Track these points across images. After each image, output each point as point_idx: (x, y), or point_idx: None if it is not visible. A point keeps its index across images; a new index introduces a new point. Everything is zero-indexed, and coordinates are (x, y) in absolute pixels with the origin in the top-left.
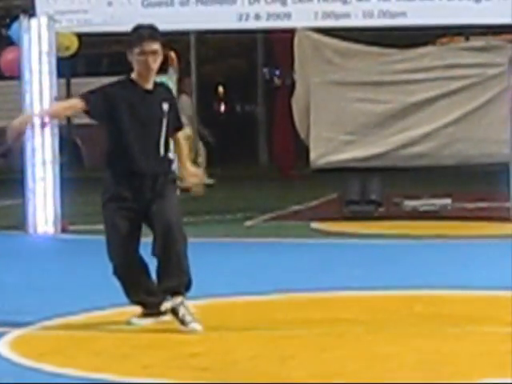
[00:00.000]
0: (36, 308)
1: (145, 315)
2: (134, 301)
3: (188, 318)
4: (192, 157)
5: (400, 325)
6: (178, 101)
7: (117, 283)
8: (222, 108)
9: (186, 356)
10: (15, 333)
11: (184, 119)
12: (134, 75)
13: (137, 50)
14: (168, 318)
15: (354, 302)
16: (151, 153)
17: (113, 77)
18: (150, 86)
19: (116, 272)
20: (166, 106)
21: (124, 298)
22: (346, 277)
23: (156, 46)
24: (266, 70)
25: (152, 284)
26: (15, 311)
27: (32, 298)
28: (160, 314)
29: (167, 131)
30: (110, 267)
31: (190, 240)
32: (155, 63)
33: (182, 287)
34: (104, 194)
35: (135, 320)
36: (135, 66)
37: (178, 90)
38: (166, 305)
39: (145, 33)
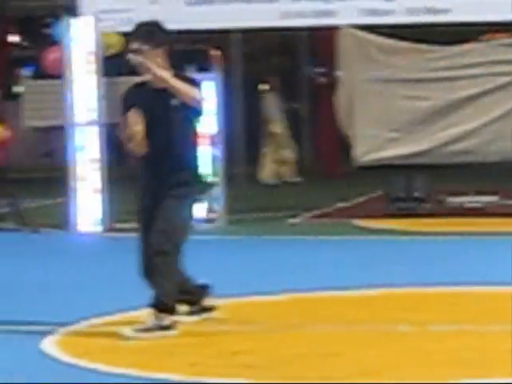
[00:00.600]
0: (81, 306)
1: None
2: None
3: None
4: (278, 154)
5: (446, 321)
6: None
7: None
8: None
9: (232, 354)
10: (61, 331)
11: (269, 116)
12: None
13: (130, 48)
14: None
15: (400, 299)
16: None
17: None
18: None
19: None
20: (175, 102)
21: None
22: (391, 274)
23: (135, 45)
24: (309, 67)
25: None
26: (60, 310)
27: (77, 297)
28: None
29: (182, 127)
30: None
31: (237, 238)
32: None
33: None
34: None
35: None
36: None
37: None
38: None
39: (132, 32)
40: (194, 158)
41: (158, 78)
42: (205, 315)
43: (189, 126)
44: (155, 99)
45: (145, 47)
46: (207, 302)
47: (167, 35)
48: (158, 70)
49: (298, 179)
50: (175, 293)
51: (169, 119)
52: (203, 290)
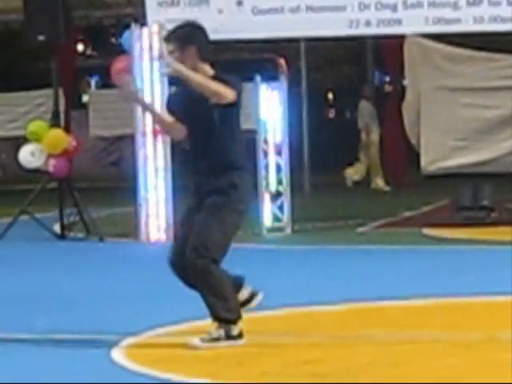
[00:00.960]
0: (149, 316)
1: None
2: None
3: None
4: (367, 163)
5: None
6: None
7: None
8: (332, 114)
9: (302, 363)
10: (129, 340)
11: (362, 124)
12: None
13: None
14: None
15: (468, 309)
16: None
17: None
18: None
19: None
20: (212, 101)
21: None
22: (459, 283)
23: (170, 47)
24: (376, 75)
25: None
26: (129, 319)
27: (144, 306)
28: None
29: (219, 129)
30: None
31: (304, 248)
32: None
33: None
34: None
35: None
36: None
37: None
38: None
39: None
40: (238, 157)
41: (177, 73)
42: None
43: (227, 124)
44: (191, 100)
45: (175, 48)
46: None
47: (205, 36)
48: (174, 63)
49: (388, 188)
50: (234, 302)
51: (206, 118)
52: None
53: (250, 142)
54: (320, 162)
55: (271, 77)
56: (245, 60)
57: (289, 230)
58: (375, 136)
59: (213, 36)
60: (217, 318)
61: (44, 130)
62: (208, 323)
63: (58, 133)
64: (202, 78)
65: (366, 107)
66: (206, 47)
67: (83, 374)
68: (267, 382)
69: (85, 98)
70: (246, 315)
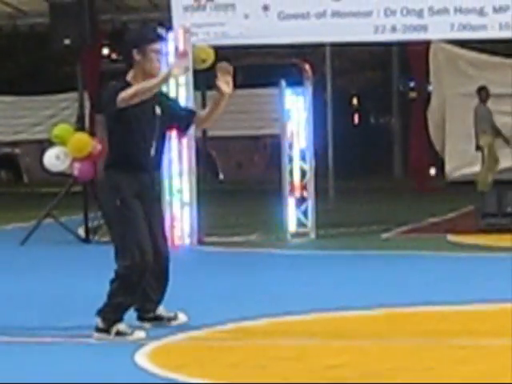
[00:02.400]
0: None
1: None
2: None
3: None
4: (493, 166)
5: None
6: None
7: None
8: (357, 120)
9: (325, 368)
10: (153, 344)
11: (483, 128)
12: (133, 77)
13: (153, 47)
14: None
15: (493, 315)
16: (148, 152)
17: (247, 89)
18: None
19: (141, 266)
20: (158, 110)
21: (255, 310)
22: (484, 289)
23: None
24: (401, 81)
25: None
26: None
27: (170, 310)
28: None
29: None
30: (249, 279)
31: (329, 253)
32: None
33: None
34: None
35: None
36: (147, 65)
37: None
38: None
39: (159, 31)
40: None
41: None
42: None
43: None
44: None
45: None
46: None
47: None
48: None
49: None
50: None
51: (165, 123)
52: None
53: (275, 146)
54: (345, 168)
55: (296, 82)
56: (270, 65)
57: (313, 236)
58: (490, 140)
59: (239, 41)
60: None
61: (69, 134)
62: (228, 328)
63: (83, 136)
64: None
65: (482, 110)
66: None
67: (107, 378)
68: None
69: None
70: (270, 320)
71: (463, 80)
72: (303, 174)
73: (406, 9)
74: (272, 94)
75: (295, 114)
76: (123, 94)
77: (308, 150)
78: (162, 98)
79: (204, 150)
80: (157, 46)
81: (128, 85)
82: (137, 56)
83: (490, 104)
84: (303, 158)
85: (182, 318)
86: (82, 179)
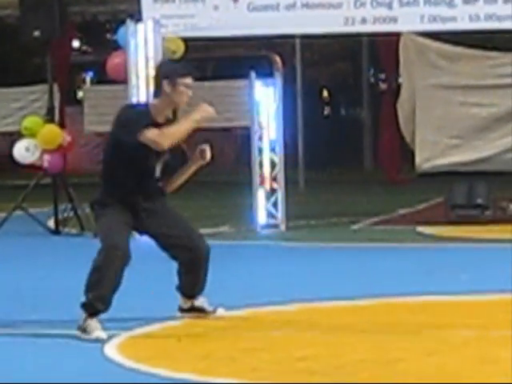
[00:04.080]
0: (141, 312)
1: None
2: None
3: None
4: None
5: (508, 328)
6: None
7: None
8: (327, 111)
9: (294, 359)
10: (123, 336)
11: None
12: (157, 106)
13: (184, 81)
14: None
15: (461, 307)
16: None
17: (217, 81)
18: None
19: (117, 259)
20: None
21: (225, 301)
22: (452, 281)
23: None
24: (371, 73)
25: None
26: (122, 314)
27: (139, 302)
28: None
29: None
30: (219, 271)
31: (299, 245)
32: None
33: None
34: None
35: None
36: (176, 97)
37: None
38: None
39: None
40: None
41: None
42: None
43: None
44: None
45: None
46: None
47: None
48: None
49: None
50: None
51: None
52: None
53: (245, 138)
54: (315, 159)
55: (266, 74)
56: (240, 57)
57: (283, 227)
58: None
59: (208, 33)
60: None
61: (39, 126)
62: (195, 320)
63: (53, 128)
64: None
65: None
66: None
67: (77, 370)
68: (258, 378)
69: (80, 94)
70: (239, 311)
71: (433, 71)
72: (273, 165)
73: (376, 0)
74: (242, 85)
75: (265, 105)
76: (151, 136)
77: (278, 141)
78: None
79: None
80: (188, 80)
81: (149, 115)
82: (167, 87)
83: (459, 96)
84: (273, 150)
85: (221, 312)
86: (51, 171)
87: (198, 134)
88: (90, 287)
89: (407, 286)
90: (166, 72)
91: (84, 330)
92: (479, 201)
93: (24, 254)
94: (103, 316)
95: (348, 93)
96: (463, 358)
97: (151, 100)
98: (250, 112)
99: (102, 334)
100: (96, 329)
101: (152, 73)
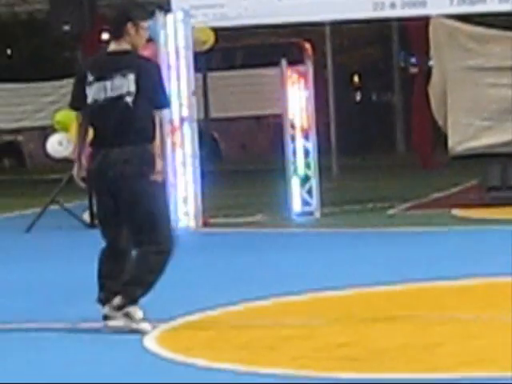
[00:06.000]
0: (182, 302)
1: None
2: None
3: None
4: None
5: None
6: None
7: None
8: (358, 97)
9: (334, 346)
10: (161, 328)
11: None
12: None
13: (145, 24)
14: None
15: (501, 289)
16: None
17: (248, 70)
18: None
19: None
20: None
21: (263, 290)
22: (490, 263)
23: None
24: (401, 57)
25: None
26: (161, 306)
27: (177, 293)
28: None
29: None
30: (255, 260)
31: (334, 231)
32: None
33: None
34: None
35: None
36: (137, 39)
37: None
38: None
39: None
40: None
41: None
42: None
43: None
44: None
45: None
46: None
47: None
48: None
49: None
50: None
51: None
52: None
53: (277, 126)
54: (347, 145)
55: (297, 61)
56: (270, 45)
57: (318, 214)
58: None
59: (237, 21)
60: None
61: (71, 119)
62: (241, 308)
63: None
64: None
65: None
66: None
67: (116, 362)
68: (299, 366)
69: None
70: (277, 300)
71: (464, 54)
72: (306, 152)
73: None
74: (273, 73)
75: (297, 93)
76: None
77: (310, 128)
78: None
79: (206, 131)
80: (147, 23)
81: None
82: (131, 30)
83: (490, 78)
84: (306, 137)
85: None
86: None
87: (232, 123)
88: (146, 285)
89: (444, 270)
90: (129, 14)
91: (128, 315)
92: None
93: (59, 248)
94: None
95: (379, 78)
96: (503, 341)
97: (111, 45)
98: (281, 100)
99: (147, 326)
100: (140, 320)
101: (182, 63)
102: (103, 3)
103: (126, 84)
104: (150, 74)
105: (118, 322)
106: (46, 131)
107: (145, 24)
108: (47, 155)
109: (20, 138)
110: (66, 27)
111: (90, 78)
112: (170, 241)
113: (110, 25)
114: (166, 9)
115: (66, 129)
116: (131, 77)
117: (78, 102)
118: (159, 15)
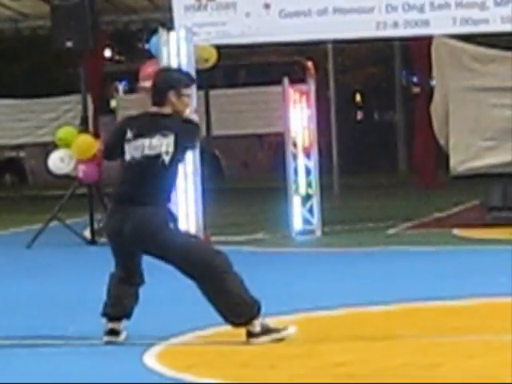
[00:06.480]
0: (181, 320)
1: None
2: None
3: None
4: None
5: None
6: None
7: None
8: (360, 116)
9: (333, 365)
10: (161, 345)
11: None
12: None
13: (188, 92)
14: None
15: (500, 309)
16: None
17: (250, 88)
18: None
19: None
20: None
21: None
22: (491, 284)
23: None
24: (403, 76)
25: None
26: (161, 324)
27: (176, 311)
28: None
29: None
30: (255, 279)
31: (335, 250)
32: None
33: None
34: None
35: None
36: (179, 107)
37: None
38: None
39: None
40: None
41: None
42: None
43: None
44: None
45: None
46: None
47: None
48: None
49: None
50: None
51: None
52: None
53: (279, 144)
54: (349, 164)
55: (299, 79)
56: (272, 63)
57: (319, 233)
58: None
59: (240, 40)
60: None
61: (73, 136)
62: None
63: (87, 138)
64: None
65: None
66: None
67: (115, 379)
68: None
69: (113, 103)
70: (277, 318)
71: (466, 74)
72: (308, 171)
73: (408, 4)
74: (275, 92)
75: (299, 111)
76: None
77: (312, 147)
78: None
79: (208, 149)
80: (190, 90)
81: None
82: (173, 97)
83: (492, 98)
84: (307, 156)
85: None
86: (86, 181)
87: (233, 141)
88: (244, 300)
89: (444, 290)
90: (172, 82)
91: (267, 331)
92: None
93: (60, 264)
94: (139, 325)
95: (381, 97)
96: (503, 361)
97: (153, 108)
98: (283, 118)
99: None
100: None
101: None
102: (106, 19)
103: (165, 143)
104: (191, 136)
105: (264, 339)
106: (48, 147)
107: (188, 91)
108: (49, 171)
109: (22, 154)
110: (69, 43)
111: (129, 134)
112: (218, 258)
113: (152, 91)
114: (169, 26)
115: (67, 145)
116: (171, 137)
117: (112, 154)
118: (162, 33)
